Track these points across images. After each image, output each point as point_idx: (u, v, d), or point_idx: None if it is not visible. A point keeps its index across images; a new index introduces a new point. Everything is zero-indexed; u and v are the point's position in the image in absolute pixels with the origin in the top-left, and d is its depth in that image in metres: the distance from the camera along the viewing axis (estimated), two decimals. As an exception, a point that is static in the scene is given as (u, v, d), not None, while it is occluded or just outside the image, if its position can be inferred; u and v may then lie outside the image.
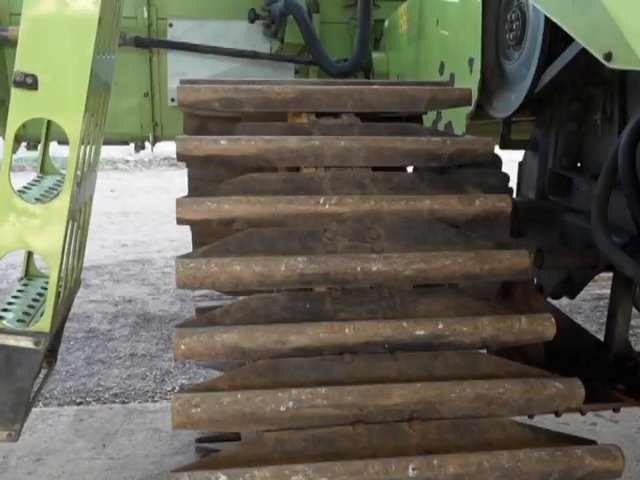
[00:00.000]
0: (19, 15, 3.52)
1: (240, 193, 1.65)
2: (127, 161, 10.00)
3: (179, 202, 1.60)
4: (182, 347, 1.38)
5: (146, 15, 3.78)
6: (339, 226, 1.62)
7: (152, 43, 3.69)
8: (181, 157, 1.76)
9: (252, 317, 1.48)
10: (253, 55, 3.69)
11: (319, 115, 1.93)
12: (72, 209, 1.68)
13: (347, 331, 1.42)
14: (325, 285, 1.53)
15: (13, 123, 1.64)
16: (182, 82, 1.99)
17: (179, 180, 9.06)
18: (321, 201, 1.62)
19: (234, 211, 1.60)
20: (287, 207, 1.61)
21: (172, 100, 3.75)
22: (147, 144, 4.06)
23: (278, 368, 1.41)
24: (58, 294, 1.69)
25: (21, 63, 1.62)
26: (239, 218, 1.60)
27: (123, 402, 3.33)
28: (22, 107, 1.63)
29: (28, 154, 5.95)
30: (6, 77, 3.59)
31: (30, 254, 2.13)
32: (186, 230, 5.78)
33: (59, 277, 1.68)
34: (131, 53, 3.69)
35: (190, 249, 5.05)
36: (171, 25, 3.78)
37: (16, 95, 1.63)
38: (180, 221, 1.62)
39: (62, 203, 1.64)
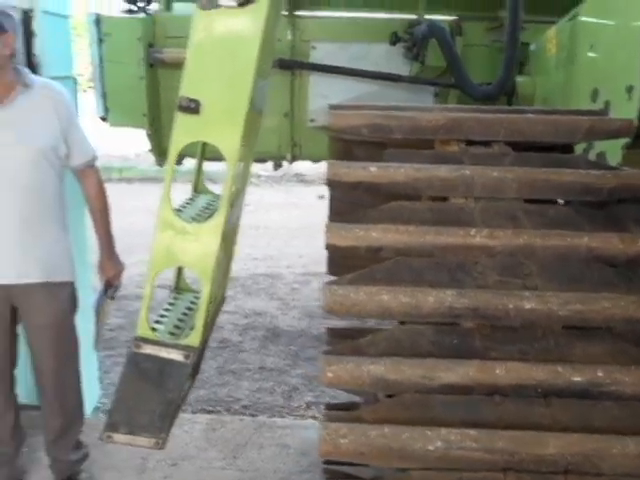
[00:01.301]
0: (175, 38, 3.74)
1: (388, 221, 1.65)
2: (259, 176, 10.31)
3: (328, 227, 1.62)
4: (329, 375, 1.39)
5: (290, 38, 3.88)
6: (490, 260, 1.57)
7: (295, 65, 3.78)
8: (330, 182, 1.78)
9: (398, 348, 1.47)
10: (394, 77, 3.69)
11: (469, 143, 1.90)
12: (225, 228, 1.74)
13: (498, 372, 1.37)
14: (474, 321, 1.49)
15: (176, 145, 1.72)
16: (330, 107, 2.02)
17: (309, 197, 9.26)
18: (472, 233, 1.59)
19: (382, 239, 1.59)
20: (436, 238, 1.59)
21: (311, 121, 3.83)
22: (284, 162, 4.16)
23: (425, 404, 1.38)
24: (209, 310, 1.76)
25: (186, 88, 1.70)
26: (387, 246, 1.60)
27: (252, 415, 3.41)
28: (184, 130, 1.71)
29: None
30: (159, 96, 3.80)
31: (181, 268, 2.23)
32: (315, 246, 5.85)
33: (212, 294, 1.74)
34: (274, 74, 3.81)
35: (318, 266, 5.11)
36: (314, 47, 3.86)
37: (179, 119, 1.71)
38: (329, 246, 1.64)
39: (217, 223, 1.71)
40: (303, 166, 4.03)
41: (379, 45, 3.89)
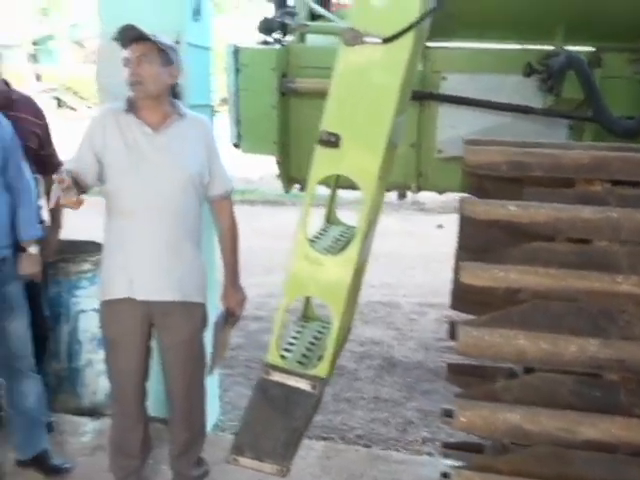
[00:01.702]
0: (308, 68, 3.83)
1: (527, 262, 1.60)
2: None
3: (464, 266, 1.59)
4: (462, 419, 1.36)
5: (421, 69, 3.88)
6: (638, 309, 1.49)
7: (426, 96, 3.76)
8: (466, 219, 1.75)
9: (535, 397, 1.41)
10: (527, 110, 3.59)
11: (615, 183, 1.81)
12: (360, 261, 1.75)
13: (647, 431, 1.29)
14: (619, 373, 1.41)
15: (314, 178, 1.76)
16: (466, 142, 1.99)
17: (427, 226, 9.17)
18: (618, 279, 1.51)
19: (521, 281, 1.54)
20: (579, 282, 1.52)
21: (439, 152, 3.79)
22: (409, 192, 4.13)
23: (563, 459, 1.32)
24: (338, 342, 1.77)
25: (327, 122, 1.73)
26: (526, 289, 1.55)
27: (366, 445, 3.39)
28: (323, 164, 1.74)
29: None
30: (289, 125, 3.90)
31: (309, 297, 2.25)
32: (433, 276, 5.77)
33: (342, 325, 1.75)
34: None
35: (436, 297, 5.02)
36: (444, 78, 3.83)
37: (319, 152, 1.74)
38: (463, 286, 1.61)
39: (351, 256, 1.73)
40: (422, 194, 3.99)
41: (512, 76, 3.81)
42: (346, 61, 1.67)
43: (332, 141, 1.70)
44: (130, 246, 2.49)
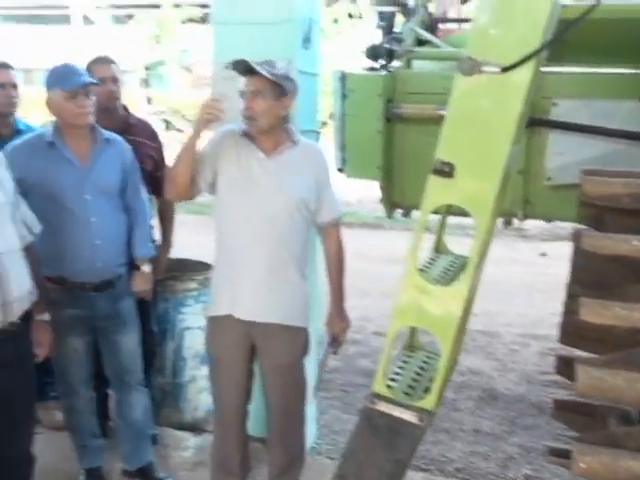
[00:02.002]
0: (414, 94, 3.82)
1: (652, 301, 1.52)
2: (477, 228, 10.11)
3: (584, 303, 1.53)
4: (582, 465, 1.30)
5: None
6: None
7: (536, 122, 3.67)
8: (582, 252, 1.69)
9: (662, 445, 1.33)
10: (643, 137, 3.44)
11: None
12: (471, 293, 1.71)
13: None
14: None
15: (427, 208, 1.74)
16: (585, 172, 1.92)
17: (530, 253, 8.89)
18: None
19: (646, 321, 1.47)
20: None
21: (548, 179, 3.68)
22: (515, 220, 4.02)
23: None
24: (447, 375, 1.73)
25: (441, 151, 1.72)
26: (651, 329, 1.47)
27: (465, 479, 3.29)
28: (437, 193, 1.72)
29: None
30: (394, 150, 3.89)
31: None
32: (536, 306, 5.56)
33: (450, 358, 1.72)
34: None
35: (539, 328, 4.82)
36: (555, 104, 3.72)
37: (432, 181, 1.73)
38: (580, 322, 1.54)
39: (462, 287, 1.69)
40: (526, 222, 3.88)
41: (626, 102, 3.66)
42: (462, 90, 1.66)
43: (446, 170, 1.68)
44: (236, 265, 2.56)
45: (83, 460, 3.12)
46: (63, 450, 3.25)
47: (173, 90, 24.22)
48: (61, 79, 2.72)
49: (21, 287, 2.30)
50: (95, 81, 2.80)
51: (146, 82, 25.63)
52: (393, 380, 1.92)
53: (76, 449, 3.13)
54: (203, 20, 25.32)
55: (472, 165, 1.66)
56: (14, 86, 3.35)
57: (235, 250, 2.55)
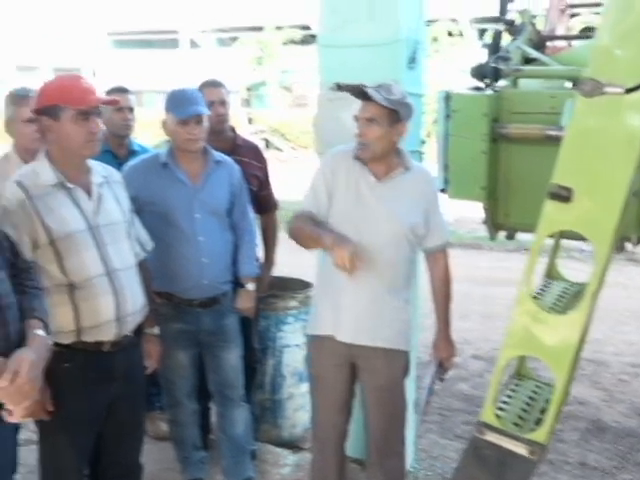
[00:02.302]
0: (520, 114, 3.73)
1: None
2: (582, 250, 9.72)
3: None
4: None
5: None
6: None
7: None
8: None
9: None
10: None
11: None
12: (588, 321, 1.64)
13: None
14: None
15: (543, 233, 1.69)
16: None
17: (638, 278, 8.45)
18: None
19: None
20: None
21: (666, 201, 3.49)
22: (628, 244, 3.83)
23: None
24: (561, 406, 1.66)
25: (559, 175, 1.66)
26: None
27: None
28: (553, 218, 1.67)
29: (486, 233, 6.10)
30: (498, 171, 3.81)
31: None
32: (646, 332, 5.18)
33: (564, 389, 1.65)
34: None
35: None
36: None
37: (549, 206, 1.68)
38: None
39: (580, 316, 1.63)
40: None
41: None
42: (584, 112, 1.60)
43: (564, 195, 1.63)
44: (339, 288, 2.56)
45: (186, 471, 3.20)
46: (166, 460, 3.35)
47: (273, 110, 24.81)
48: (176, 106, 2.83)
49: (135, 302, 2.39)
50: (207, 112, 2.88)
51: (247, 102, 26.40)
52: (502, 409, 1.86)
53: (179, 460, 3.22)
54: (303, 41, 25.86)
55: (592, 189, 1.60)
56: (130, 109, 3.52)
57: (340, 272, 2.56)
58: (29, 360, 1.67)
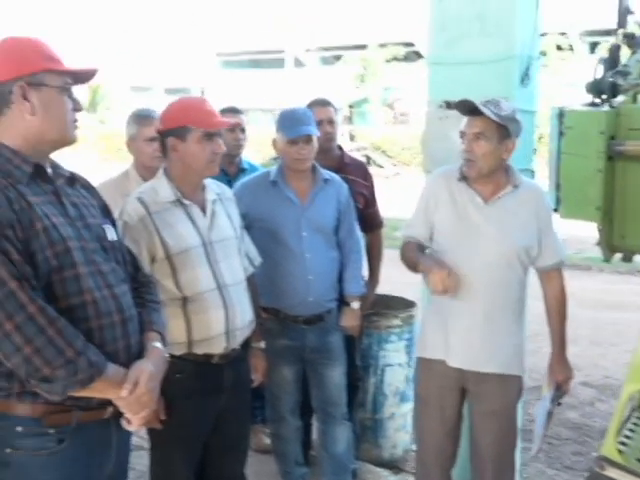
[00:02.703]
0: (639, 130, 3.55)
1: None
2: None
3: None
4: None
5: None
6: None
7: None
8: None
9: None
10: None
11: None
12: None
13: None
14: None
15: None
16: None
17: None
18: None
19: None
20: None
21: None
22: None
23: None
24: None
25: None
26: None
27: None
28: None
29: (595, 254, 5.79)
30: (614, 191, 3.64)
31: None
32: None
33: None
34: None
35: None
36: None
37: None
38: None
39: None
40: None
41: None
42: None
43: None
44: (450, 311, 2.51)
45: (287, 486, 3.22)
46: (268, 474, 3.38)
47: (375, 127, 24.90)
48: (286, 125, 2.88)
49: (244, 316, 2.44)
50: (317, 132, 2.92)
51: (349, 119, 26.63)
52: (624, 444, 1.76)
53: (281, 474, 3.25)
54: (406, 58, 25.87)
55: None
56: (242, 130, 3.61)
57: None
58: (148, 371, 1.72)
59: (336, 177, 3.07)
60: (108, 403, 1.71)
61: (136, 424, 1.74)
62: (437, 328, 2.56)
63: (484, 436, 2.56)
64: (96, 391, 1.65)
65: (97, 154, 25.30)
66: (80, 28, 36.96)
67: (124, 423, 1.74)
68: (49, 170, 1.75)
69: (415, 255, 2.53)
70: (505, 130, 2.39)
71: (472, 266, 2.44)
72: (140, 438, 3.23)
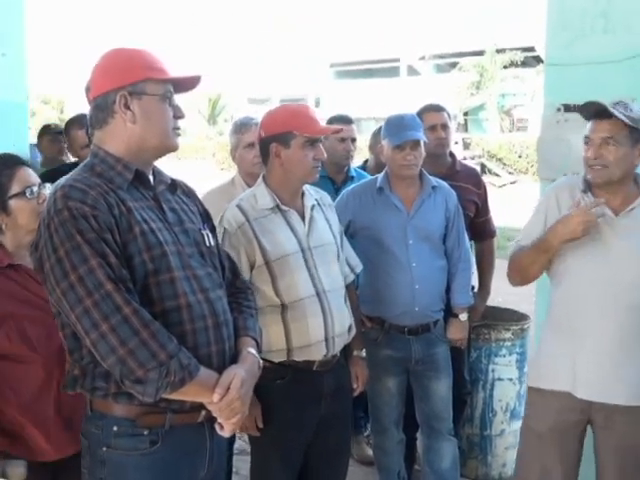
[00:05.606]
0: None
1: None
2: None
3: None
4: None
5: None
6: None
7: None
8: None
9: None
10: None
11: None
12: None
13: None
14: None
15: None
16: None
17: None
18: None
19: None
20: None
21: None
22: None
23: None
24: None
25: None
26: None
27: None
28: None
29: None
30: None
31: None
32: None
33: None
34: None
35: None
36: None
37: None
38: None
39: None
40: None
41: None
42: None
43: None
44: (578, 335, 2.30)
45: (389, 500, 3.14)
46: (370, 485, 3.32)
47: (490, 134, 24.31)
48: (392, 131, 2.82)
49: (343, 323, 2.40)
50: (424, 137, 2.83)
51: (464, 127, 26.16)
52: None
53: (383, 487, 3.17)
54: (524, 63, 25.08)
55: None
56: (353, 140, 3.56)
57: (578, 319, 2.30)
58: (240, 377, 1.70)
59: (444, 184, 2.96)
60: (201, 407, 1.70)
61: (228, 430, 1.72)
62: (561, 355, 2.35)
63: (610, 471, 2.30)
64: (188, 394, 1.64)
65: (215, 164, 26.30)
66: (201, 40, 38.56)
67: (217, 428, 1.73)
68: (150, 177, 1.78)
69: (529, 245, 2.36)
70: (637, 133, 2.20)
71: (605, 286, 2.24)
72: (244, 442, 3.27)
